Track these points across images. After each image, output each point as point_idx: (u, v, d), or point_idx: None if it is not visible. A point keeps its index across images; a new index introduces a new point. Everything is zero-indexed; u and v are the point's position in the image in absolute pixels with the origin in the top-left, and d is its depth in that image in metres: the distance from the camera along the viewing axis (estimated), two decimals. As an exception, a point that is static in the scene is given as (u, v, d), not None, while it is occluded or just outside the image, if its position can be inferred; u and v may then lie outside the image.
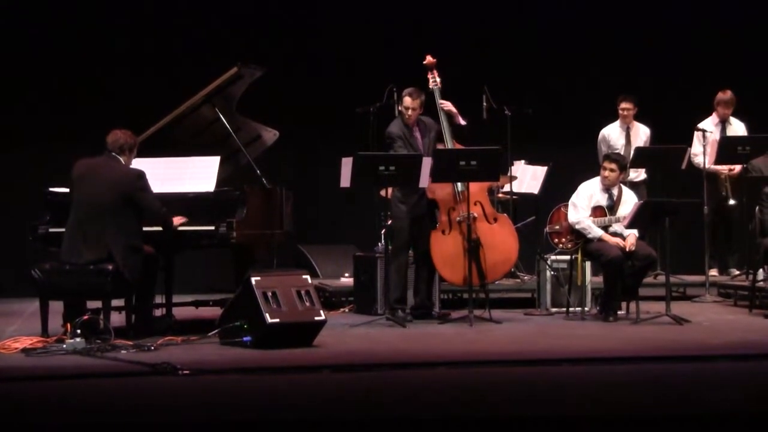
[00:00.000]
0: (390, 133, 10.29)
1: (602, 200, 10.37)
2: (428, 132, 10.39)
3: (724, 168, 11.96)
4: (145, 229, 9.02)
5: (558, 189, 11.31)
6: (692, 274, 12.11)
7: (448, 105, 10.38)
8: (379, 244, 10.89)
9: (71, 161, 9.00)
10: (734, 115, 12.26)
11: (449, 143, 10.34)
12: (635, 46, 13.49)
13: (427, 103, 10.39)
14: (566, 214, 10.43)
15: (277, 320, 8.43)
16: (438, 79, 10.47)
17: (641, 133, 12.31)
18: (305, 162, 12.98)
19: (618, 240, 10.18)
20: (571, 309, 10.63)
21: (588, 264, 10.67)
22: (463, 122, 10.40)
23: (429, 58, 10.52)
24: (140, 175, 8.86)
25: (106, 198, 8.72)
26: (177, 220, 9.08)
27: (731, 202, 11.93)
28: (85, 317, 8.50)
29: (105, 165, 8.87)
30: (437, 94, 10.43)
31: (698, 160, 11.90)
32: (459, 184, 10.26)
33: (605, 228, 10.28)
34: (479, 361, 8.04)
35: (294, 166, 12.67)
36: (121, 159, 8.92)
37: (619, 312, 10.30)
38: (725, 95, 12.15)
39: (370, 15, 13.35)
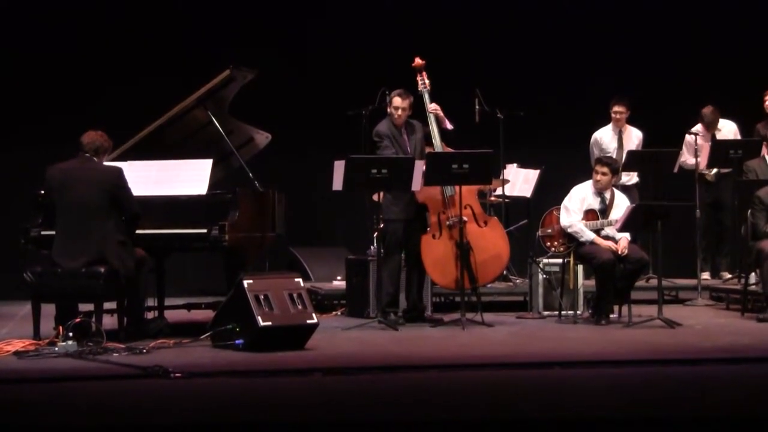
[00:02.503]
0: (378, 132, 10.30)
1: (594, 204, 10.38)
2: (415, 133, 10.39)
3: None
4: (136, 231, 9.03)
5: (550, 192, 11.32)
6: (684, 278, 12.12)
7: (436, 108, 10.38)
8: (372, 247, 10.88)
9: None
10: (725, 116, 12.30)
11: (438, 146, 10.33)
12: (628, 49, 13.50)
13: (417, 105, 10.40)
14: (558, 218, 10.44)
15: (269, 323, 8.43)
16: (427, 81, 10.48)
17: (633, 137, 12.31)
18: (297, 165, 12.96)
19: (610, 243, 10.19)
20: (563, 312, 10.64)
21: (580, 267, 10.68)
22: (450, 127, 10.41)
23: (418, 60, 10.53)
24: (121, 172, 8.89)
25: (93, 199, 8.72)
26: None
27: (713, 171, 11.96)
28: (77, 320, 8.49)
29: (83, 167, 8.86)
30: (426, 97, 10.44)
31: (689, 161, 11.94)
32: (448, 187, 10.26)
33: (597, 231, 10.29)
34: (471, 364, 8.04)
35: (286, 168, 12.64)
36: (95, 160, 8.92)
37: (611, 315, 10.30)
38: (706, 115, 12.17)
39: (362, 17, 13.35)
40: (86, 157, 8.90)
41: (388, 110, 10.38)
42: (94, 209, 8.72)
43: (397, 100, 10.29)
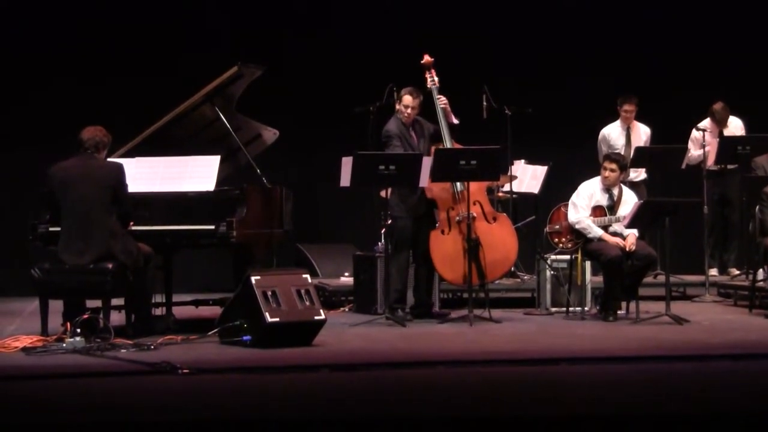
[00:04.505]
0: (388, 131, 10.29)
1: (602, 200, 10.37)
2: (424, 132, 10.39)
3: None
4: (143, 228, 9.05)
5: (558, 189, 11.31)
6: (692, 274, 12.11)
7: (445, 101, 10.37)
8: (379, 243, 10.89)
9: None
10: (732, 113, 12.29)
11: (448, 143, 10.33)
12: (635, 45, 13.49)
13: (425, 102, 10.39)
14: (566, 214, 10.43)
15: (277, 319, 8.43)
16: (436, 78, 10.46)
17: (641, 133, 12.31)
18: (305, 161, 12.98)
19: (618, 240, 10.18)
20: (570, 309, 10.63)
21: (588, 264, 10.68)
22: (455, 121, 10.40)
23: (426, 58, 10.52)
24: (121, 168, 8.90)
25: (95, 196, 8.72)
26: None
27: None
28: (85, 316, 8.51)
29: (85, 165, 8.85)
30: (435, 93, 10.43)
31: (696, 154, 11.95)
32: (458, 183, 10.25)
33: (605, 228, 10.28)
34: (479, 360, 8.04)
35: (294, 165, 12.66)
36: (96, 156, 8.91)
37: (618, 312, 10.29)
38: (717, 111, 12.14)
39: (370, 14, 13.35)
40: (87, 154, 8.89)
41: (397, 107, 10.37)
42: (97, 206, 8.72)
43: (407, 99, 10.28)
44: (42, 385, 7.26)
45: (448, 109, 10.38)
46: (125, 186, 8.87)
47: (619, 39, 13.48)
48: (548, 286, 10.92)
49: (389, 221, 10.37)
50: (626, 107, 12.23)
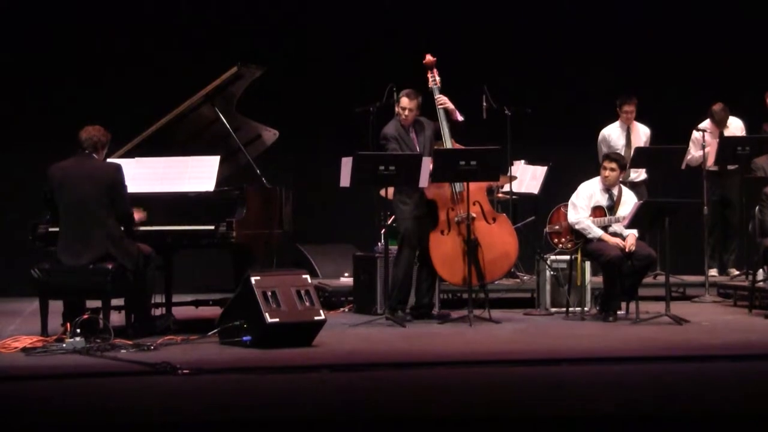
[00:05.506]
0: (385, 134, 10.28)
1: (602, 200, 10.37)
2: (424, 131, 10.37)
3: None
4: (143, 228, 9.05)
5: (558, 189, 11.32)
6: (692, 275, 12.11)
7: (445, 101, 10.35)
8: (379, 243, 10.89)
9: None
10: (732, 113, 12.29)
11: (448, 143, 10.32)
12: (635, 45, 13.50)
13: (427, 102, 10.39)
14: (566, 214, 10.43)
15: (277, 320, 8.43)
16: (438, 78, 10.45)
17: (641, 134, 12.31)
18: (305, 162, 12.98)
19: (618, 240, 10.18)
20: (570, 309, 10.63)
21: (588, 264, 10.67)
22: (460, 118, 10.38)
23: (429, 57, 10.51)
24: (119, 168, 8.89)
25: (93, 196, 8.71)
26: (137, 215, 9.06)
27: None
28: (85, 316, 8.51)
29: (83, 165, 8.83)
30: (436, 93, 10.41)
31: (696, 155, 11.95)
32: (457, 184, 10.25)
33: (605, 228, 10.28)
34: (479, 361, 8.04)
35: (294, 165, 12.65)
36: (95, 156, 8.90)
37: (618, 312, 10.29)
38: (716, 112, 12.13)
39: (370, 14, 13.35)
40: (85, 154, 8.88)
41: (396, 110, 10.36)
42: (95, 206, 8.71)
43: (404, 101, 10.26)
44: (42, 386, 7.26)
45: (451, 107, 10.35)
46: (123, 186, 8.85)
47: (619, 38, 13.49)
48: (548, 287, 10.93)
49: (389, 221, 10.37)
50: (626, 108, 12.23)
